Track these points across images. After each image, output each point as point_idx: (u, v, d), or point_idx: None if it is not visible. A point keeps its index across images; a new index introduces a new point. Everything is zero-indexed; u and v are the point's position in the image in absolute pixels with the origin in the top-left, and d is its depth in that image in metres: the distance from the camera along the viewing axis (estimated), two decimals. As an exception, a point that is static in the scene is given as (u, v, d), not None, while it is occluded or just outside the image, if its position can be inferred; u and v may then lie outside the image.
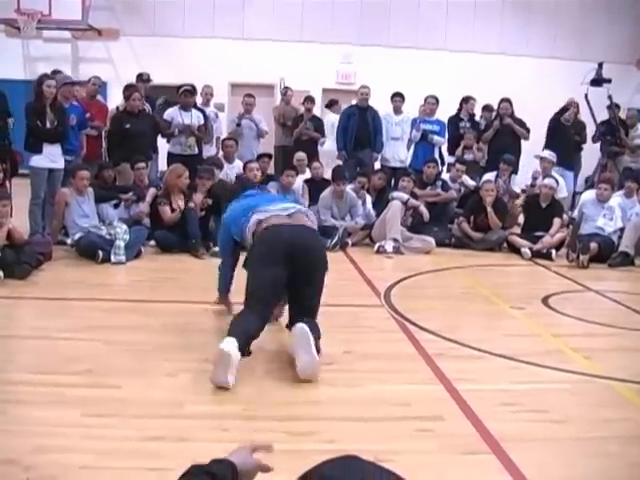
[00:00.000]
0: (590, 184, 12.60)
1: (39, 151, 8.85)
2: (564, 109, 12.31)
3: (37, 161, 8.86)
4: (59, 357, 4.74)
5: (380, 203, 10.32)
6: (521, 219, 10.99)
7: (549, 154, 11.20)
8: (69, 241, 8.51)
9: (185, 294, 6.84)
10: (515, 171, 11.56)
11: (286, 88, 13.53)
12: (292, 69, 16.84)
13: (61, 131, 8.98)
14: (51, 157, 8.93)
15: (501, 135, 11.94)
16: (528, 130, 12.15)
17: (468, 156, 12.00)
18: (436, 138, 12.05)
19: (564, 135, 12.10)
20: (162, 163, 11.01)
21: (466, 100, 12.52)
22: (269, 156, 11.31)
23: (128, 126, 9.93)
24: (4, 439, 3.50)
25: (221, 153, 11.31)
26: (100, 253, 8.05)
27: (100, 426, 3.68)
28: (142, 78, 11.39)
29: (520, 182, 11.80)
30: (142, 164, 9.72)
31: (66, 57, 17.20)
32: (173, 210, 9.01)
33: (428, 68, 17.12)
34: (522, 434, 3.83)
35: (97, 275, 7.63)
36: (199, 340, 5.24)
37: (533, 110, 12.66)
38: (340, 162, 11.90)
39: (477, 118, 12.63)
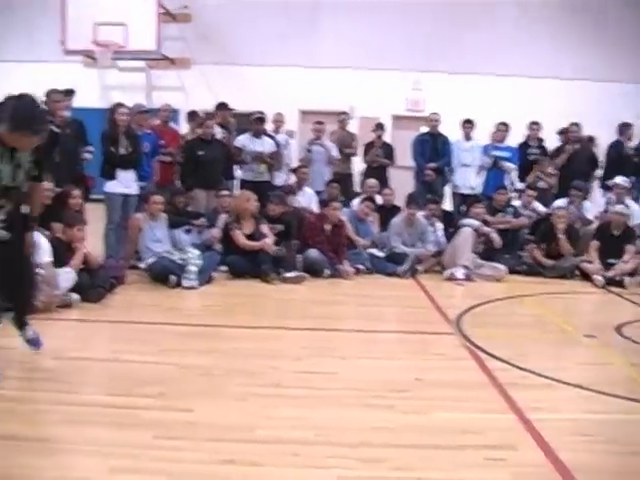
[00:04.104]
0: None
1: (113, 177, 9.06)
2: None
3: (111, 187, 9.08)
4: (132, 379, 4.81)
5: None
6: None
7: (622, 180, 11.01)
8: (142, 265, 8.65)
9: (256, 319, 6.90)
10: (587, 197, 11.39)
11: (342, 113, 13.45)
12: (361, 96, 16.92)
13: (135, 157, 9.17)
14: (125, 183, 9.13)
15: (574, 161, 11.78)
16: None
17: (541, 184, 11.82)
18: (507, 164, 11.93)
19: (622, 161, 11.91)
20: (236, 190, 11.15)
21: (528, 126, 12.38)
22: (337, 182, 11.23)
23: (201, 153, 10.04)
24: (80, 459, 3.57)
25: (293, 179, 11.32)
26: (173, 278, 8.17)
27: (171, 449, 3.72)
28: (226, 106, 11.55)
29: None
30: (227, 192, 9.88)
31: (140, 86, 17.55)
32: (248, 236, 9.10)
33: (497, 94, 16.97)
34: (596, 465, 3.75)
35: (169, 299, 7.74)
36: (269, 365, 5.27)
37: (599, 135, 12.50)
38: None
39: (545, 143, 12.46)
